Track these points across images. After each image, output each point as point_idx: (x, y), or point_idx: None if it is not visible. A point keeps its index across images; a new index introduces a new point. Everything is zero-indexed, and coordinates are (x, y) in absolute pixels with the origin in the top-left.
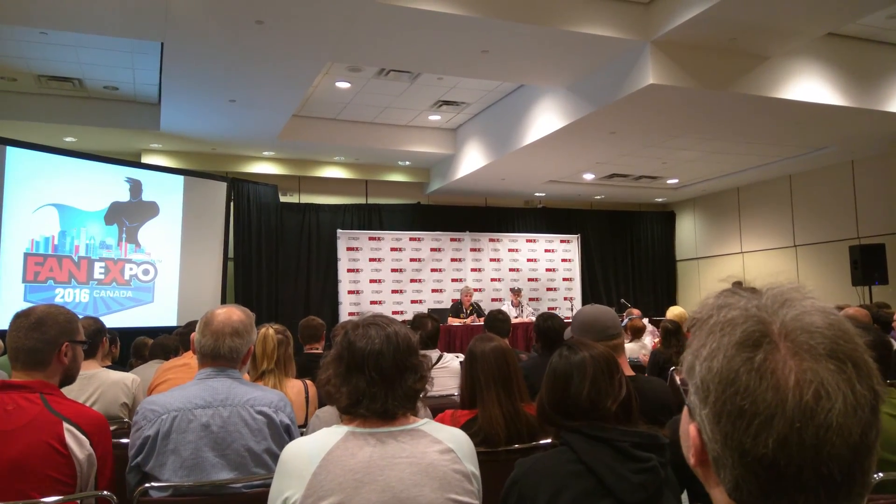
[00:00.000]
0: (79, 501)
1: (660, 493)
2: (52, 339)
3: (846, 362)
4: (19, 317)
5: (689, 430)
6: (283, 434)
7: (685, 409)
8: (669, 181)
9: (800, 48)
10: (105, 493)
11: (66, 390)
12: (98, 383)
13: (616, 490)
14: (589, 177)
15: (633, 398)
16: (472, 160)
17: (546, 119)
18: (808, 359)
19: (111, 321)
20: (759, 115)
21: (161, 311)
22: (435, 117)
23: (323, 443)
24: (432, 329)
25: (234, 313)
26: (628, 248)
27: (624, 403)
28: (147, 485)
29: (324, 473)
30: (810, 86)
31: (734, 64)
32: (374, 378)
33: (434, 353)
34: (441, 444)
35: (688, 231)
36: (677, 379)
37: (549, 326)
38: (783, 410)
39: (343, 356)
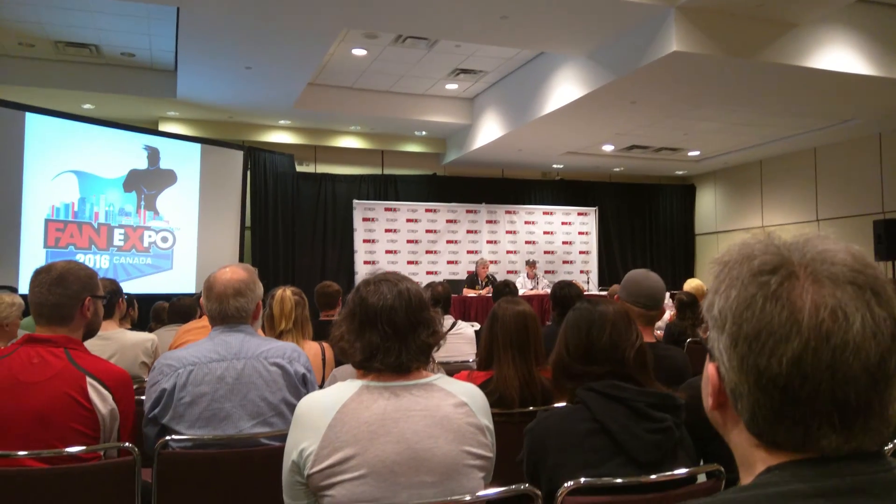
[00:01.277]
0: (102, 452)
1: (674, 453)
2: (74, 294)
3: (866, 289)
4: (40, 273)
5: (708, 372)
6: (299, 384)
7: (707, 358)
8: (691, 153)
9: (829, 15)
10: (127, 444)
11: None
12: (117, 344)
13: (629, 449)
14: (608, 148)
15: (648, 356)
16: (489, 130)
17: (565, 88)
18: (827, 284)
19: (131, 287)
20: (786, 85)
21: (180, 278)
22: (452, 86)
23: (338, 396)
24: (443, 292)
25: (235, 273)
26: (646, 222)
27: (640, 356)
28: (168, 437)
29: (339, 426)
30: (839, 55)
31: (761, 31)
32: (387, 332)
33: (448, 320)
34: (455, 398)
35: (708, 205)
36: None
37: (565, 294)
38: (799, 330)
39: (356, 312)
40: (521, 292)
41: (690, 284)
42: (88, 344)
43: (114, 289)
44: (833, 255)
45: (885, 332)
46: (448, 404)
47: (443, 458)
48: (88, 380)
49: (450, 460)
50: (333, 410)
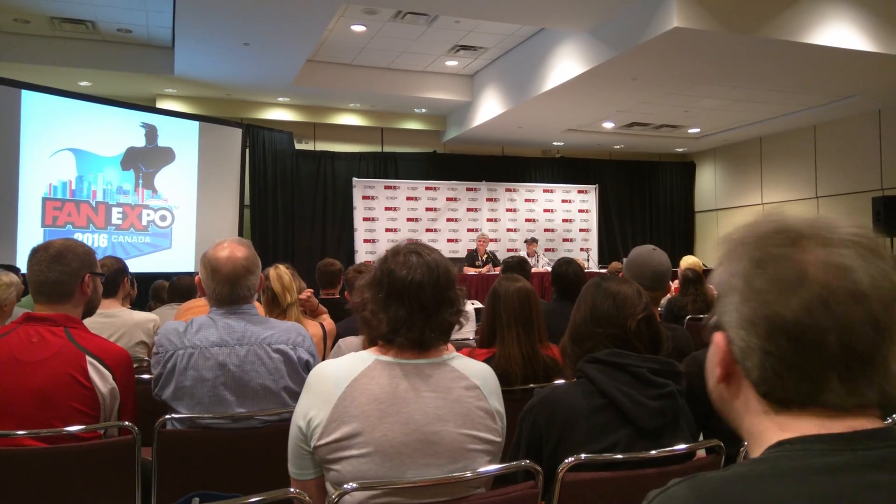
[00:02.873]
0: (102, 431)
1: (676, 421)
2: (74, 271)
3: (868, 248)
4: (38, 251)
5: (715, 342)
6: (302, 371)
7: (713, 334)
8: (691, 130)
9: None
10: (126, 423)
11: (88, 328)
12: (121, 323)
13: (633, 416)
14: (609, 125)
15: (662, 333)
16: (489, 108)
17: (566, 65)
18: (833, 244)
19: (130, 266)
20: (786, 61)
21: (179, 257)
22: (452, 63)
23: (350, 368)
24: None
25: (237, 250)
26: (647, 199)
27: (645, 328)
28: (167, 416)
29: (349, 399)
30: (839, 31)
31: (761, 7)
32: (413, 308)
33: None
34: (467, 380)
35: (708, 182)
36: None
37: (564, 272)
38: (808, 281)
39: (382, 283)
40: None
41: (687, 261)
42: (92, 321)
43: (119, 267)
44: (835, 224)
45: (888, 285)
46: (460, 387)
47: (450, 442)
48: (88, 359)
49: (457, 445)
50: (345, 383)
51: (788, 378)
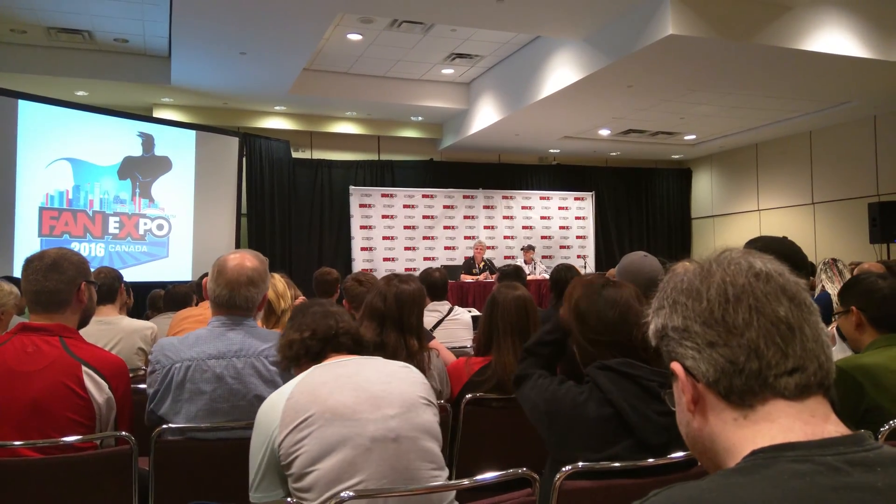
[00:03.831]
0: (98, 441)
1: (681, 438)
2: (70, 279)
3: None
4: (33, 260)
5: (676, 373)
6: None
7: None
8: (687, 137)
9: None
10: (123, 433)
11: (85, 334)
12: (119, 330)
13: (638, 430)
14: (605, 132)
15: None
16: (485, 115)
17: (562, 72)
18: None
19: (126, 275)
20: (780, 67)
21: (176, 266)
22: (448, 71)
23: (287, 385)
24: (440, 278)
25: (248, 259)
26: (643, 206)
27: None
28: (164, 426)
29: (295, 397)
30: (833, 37)
31: (756, 14)
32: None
33: (445, 306)
34: (399, 363)
35: (704, 188)
36: None
37: (564, 278)
38: (713, 276)
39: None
40: None
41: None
42: (90, 328)
43: (115, 275)
44: (738, 259)
45: (785, 272)
46: (395, 365)
47: (400, 394)
48: (84, 368)
49: (407, 396)
50: (287, 391)
51: (737, 361)
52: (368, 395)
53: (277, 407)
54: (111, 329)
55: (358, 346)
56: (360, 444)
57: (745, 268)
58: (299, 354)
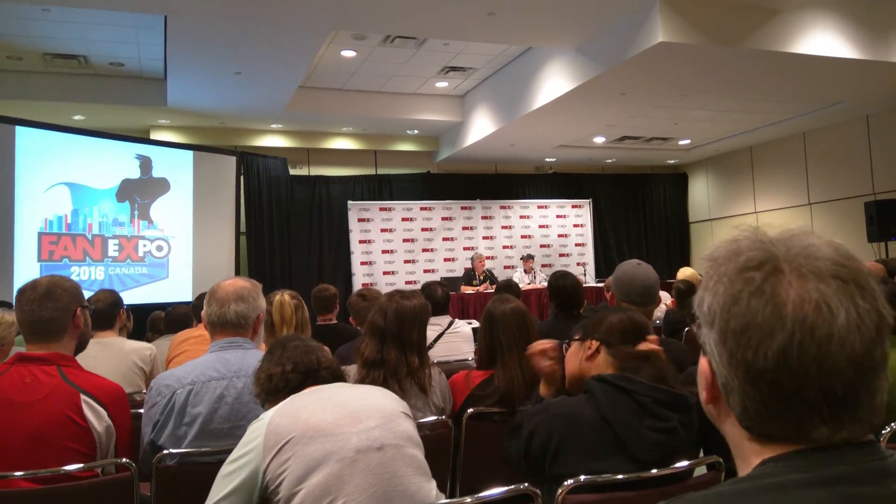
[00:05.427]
0: (99, 469)
1: (674, 454)
2: (66, 306)
3: (849, 282)
4: (26, 290)
5: (701, 366)
6: None
7: (700, 352)
8: (681, 142)
9: (811, 0)
10: (124, 460)
11: (85, 356)
12: (117, 349)
13: (630, 446)
14: (599, 140)
15: (667, 365)
16: (480, 127)
17: (555, 82)
18: (811, 279)
19: (126, 298)
20: (772, 71)
21: (176, 287)
22: (442, 84)
23: (269, 412)
24: (442, 295)
25: (238, 282)
26: (641, 212)
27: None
28: (165, 451)
29: (276, 421)
30: (823, 39)
31: (745, 19)
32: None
33: (445, 319)
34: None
35: (700, 192)
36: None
37: (561, 285)
38: (783, 324)
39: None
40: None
41: (684, 273)
42: (88, 350)
43: (114, 300)
44: (817, 250)
45: (870, 324)
46: (371, 387)
47: (378, 406)
48: (83, 397)
49: (385, 407)
50: (268, 416)
51: (770, 420)
52: (348, 411)
53: (259, 432)
54: (110, 349)
55: (337, 380)
56: (344, 457)
57: (827, 326)
58: (279, 387)
